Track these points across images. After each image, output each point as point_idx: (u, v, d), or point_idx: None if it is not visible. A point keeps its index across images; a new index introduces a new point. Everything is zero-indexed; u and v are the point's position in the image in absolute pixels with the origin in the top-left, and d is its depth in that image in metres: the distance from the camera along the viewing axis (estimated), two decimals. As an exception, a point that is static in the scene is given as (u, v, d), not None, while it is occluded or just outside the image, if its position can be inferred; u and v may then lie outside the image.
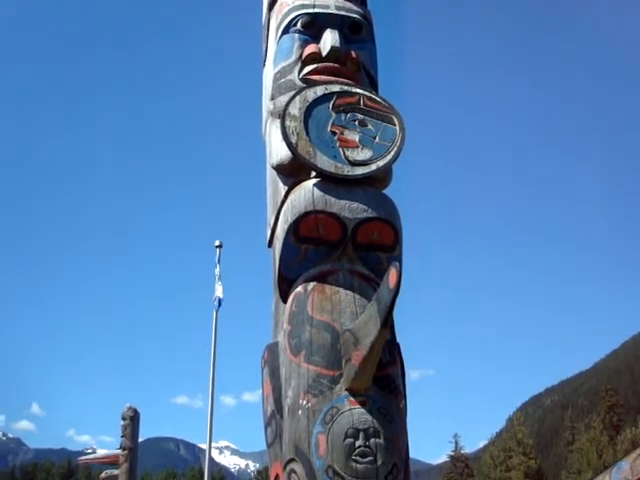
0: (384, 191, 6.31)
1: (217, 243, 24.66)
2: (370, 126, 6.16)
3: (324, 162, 5.90)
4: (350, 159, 5.96)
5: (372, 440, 4.93)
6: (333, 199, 5.87)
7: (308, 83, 6.52)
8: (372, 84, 7.07)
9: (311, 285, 5.74)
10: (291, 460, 5.22)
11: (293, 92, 6.31)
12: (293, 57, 6.92)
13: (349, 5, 7.16)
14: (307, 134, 5.96)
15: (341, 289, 5.67)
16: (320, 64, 6.76)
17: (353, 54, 6.90)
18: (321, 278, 5.76)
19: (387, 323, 4.81)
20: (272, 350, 5.89)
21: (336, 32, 6.83)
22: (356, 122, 6.14)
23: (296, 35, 6.97)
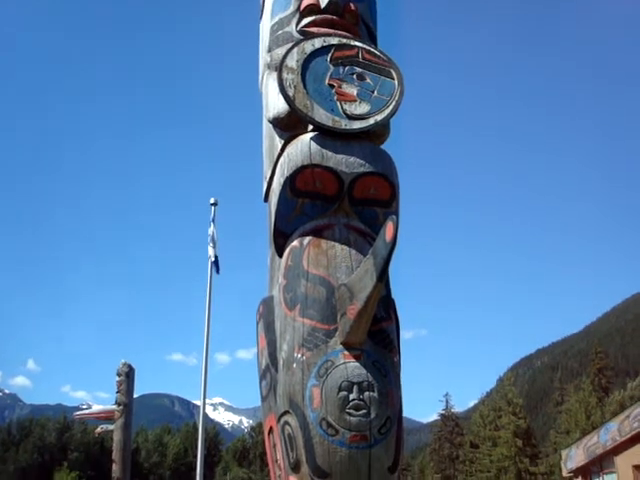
0: (382, 146, 6.25)
1: (212, 201, 24.46)
2: (368, 80, 6.07)
3: (321, 115, 5.82)
4: (348, 113, 5.88)
5: (366, 394, 4.96)
6: (330, 153, 5.81)
7: (306, 35, 6.40)
8: (371, 37, 6.95)
9: (307, 239, 5.72)
10: (285, 413, 5.25)
11: (291, 44, 6.19)
12: (291, 9, 6.78)
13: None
14: (304, 87, 5.86)
15: (337, 244, 5.65)
16: (318, 16, 6.62)
17: (352, 6, 6.75)
18: (317, 232, 5.73)
19: (383, 277, 4.79)
20: (267, 304, 5.89)
21: (335, -17, 6.67)
22: (354, 75, 6.05)
23: (294, -14, 6.81)
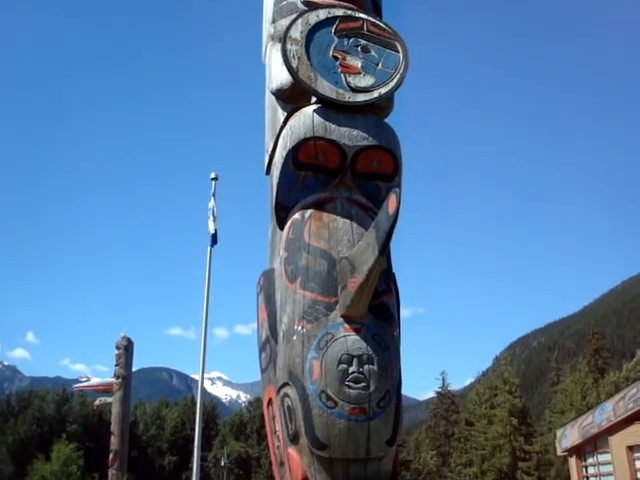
0: (385, 119, 6.20)
1: (213, 175, 24.31)
2: (373, 52, 6.01)
3: (325, 88, 5.77)
4: (352, 85, 5.83)
5: (366, 367, 4.98)
6: (333, 126, 5.77)
7: (310, 6, 6.32)
8: (376, 9, 6.88)
9: (308, 212, 5.70)
10: (285, 384, 5.28)
11: (295, 15, 6.13)
12: (295, -21, 6.68)
13: None
14: (308, 58, 5.81)
15: (339, 217, 5.63)
16: (323, -14, 6.53)
17: (357, -23, 6.66)
18: (319, 206, 5.71)
19: (385, 250, 4.78)
20: (268, 276, 5.88)
21: (341, -47, 6.57)
22: (359, 48, 5.99)
23: (299, -44, 6.71)
